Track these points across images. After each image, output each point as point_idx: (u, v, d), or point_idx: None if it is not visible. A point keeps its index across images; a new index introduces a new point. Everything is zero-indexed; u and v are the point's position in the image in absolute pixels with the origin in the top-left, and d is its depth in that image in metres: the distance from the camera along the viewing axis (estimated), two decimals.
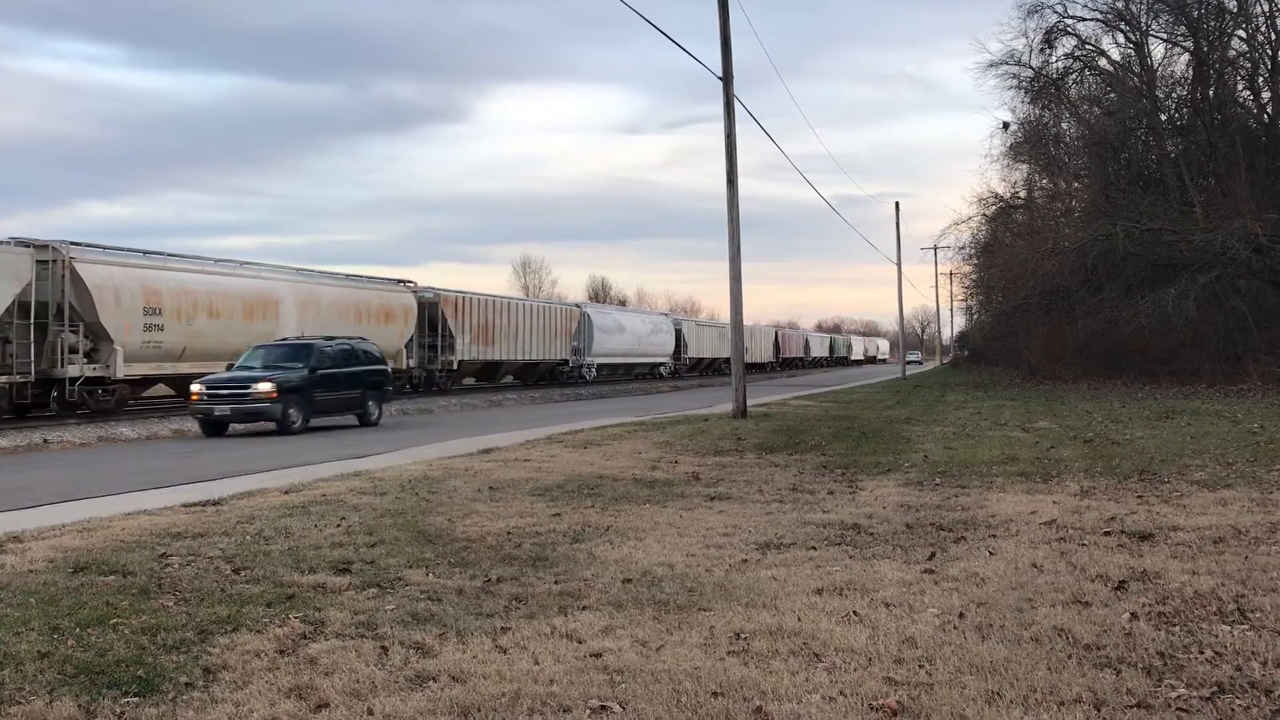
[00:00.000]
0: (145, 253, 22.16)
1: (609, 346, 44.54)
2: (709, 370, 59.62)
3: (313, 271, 27.56)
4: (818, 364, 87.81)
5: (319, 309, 25.91)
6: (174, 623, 5.00)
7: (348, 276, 28.81)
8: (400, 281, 30.74)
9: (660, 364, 51.88)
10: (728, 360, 58.58)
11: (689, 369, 56.32)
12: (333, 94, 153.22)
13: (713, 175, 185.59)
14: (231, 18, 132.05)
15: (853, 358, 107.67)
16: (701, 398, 31.47)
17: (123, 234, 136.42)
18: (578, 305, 44.35)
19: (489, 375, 37.47)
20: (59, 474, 12.08)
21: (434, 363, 31.67)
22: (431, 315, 31.45)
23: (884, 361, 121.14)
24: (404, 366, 29.66)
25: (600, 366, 43.99)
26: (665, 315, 58.41)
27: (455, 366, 32.42)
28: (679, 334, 54.16)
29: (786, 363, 75.71)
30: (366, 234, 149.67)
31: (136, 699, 4.01)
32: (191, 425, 18.99)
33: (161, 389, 25.15)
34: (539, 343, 37.80)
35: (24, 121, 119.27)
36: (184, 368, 22.26)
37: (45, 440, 16.09)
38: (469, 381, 37.34)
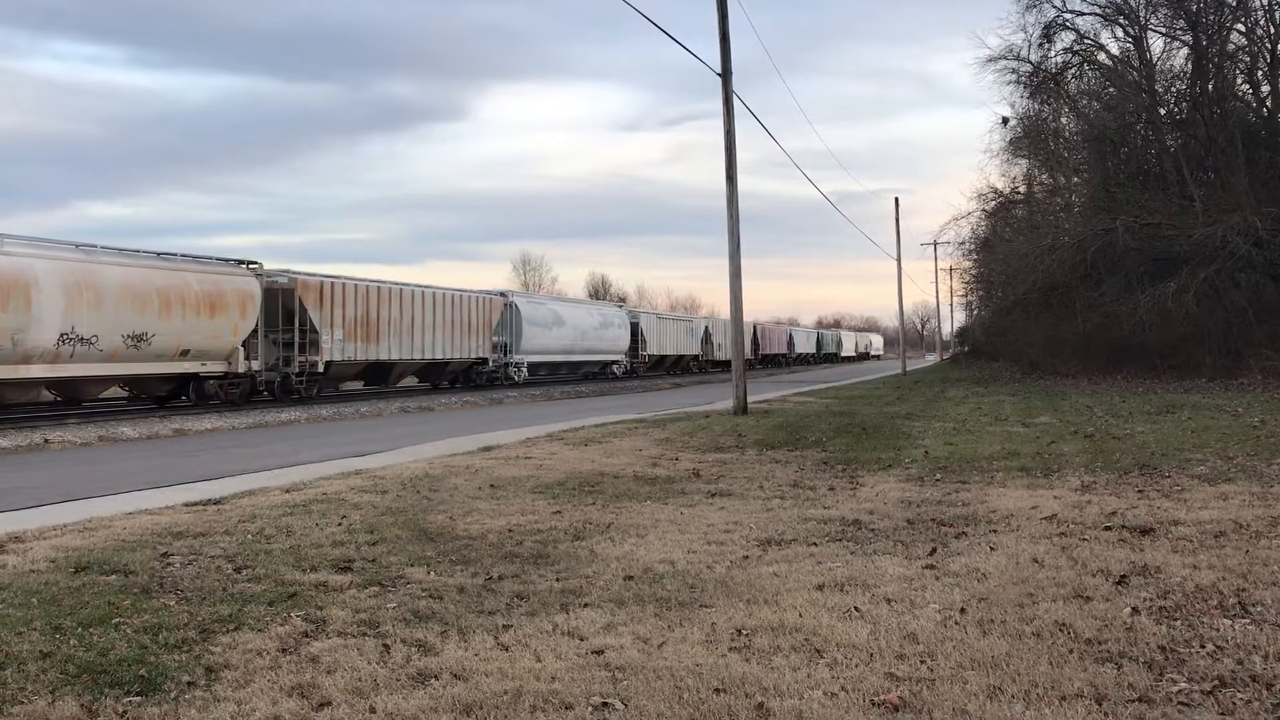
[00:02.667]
0: None
1: (543, 342, 38.57)
2: (674, 369, 53.98)
3: (95, 247, 20.81)
4: (803, 361, 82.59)
5: (100, 296, 19.70)
6: (176, 622, 5.00)
7: (159, 255, 22.25)
8: (241, 262, 24.52)
9: (613, 362, 45.62)
10: (695, 358, 56.63)
11: (648, 368, 49.91)
12: (331, 93, 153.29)
13: (712, 172, 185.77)
14: (230, 17, 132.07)
15: (843, 354, 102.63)
16: (701, 395, 31.46)
17: (122, 233, 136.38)
18: (502, 294, 37.28)
19: (378, 378, 31.31)
20: (60, 473, 12.07)
21: (291, 364, 25.44)
22: (287, 305, 25.29)
23: (878, 358, 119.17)
24: (240, 369, 23.58)
25: (534, 366, 38.34)
26: (619, 307, 51.33)
27: (321, 369, 26.17)
28: (635, 328, 47.70)
29: (767, 360, 70.26)
30: (366, 233, 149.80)
31: (139, 698, 4.01)
32: (193, 424, 18.99)
33: None
34: (446, 338, 31.69)
35: (23, 121, 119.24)
36: None
37: (46, 440, 16.08)
38: (353, 386, 31.68)
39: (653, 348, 50.00)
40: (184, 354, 22.01)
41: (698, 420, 18.82)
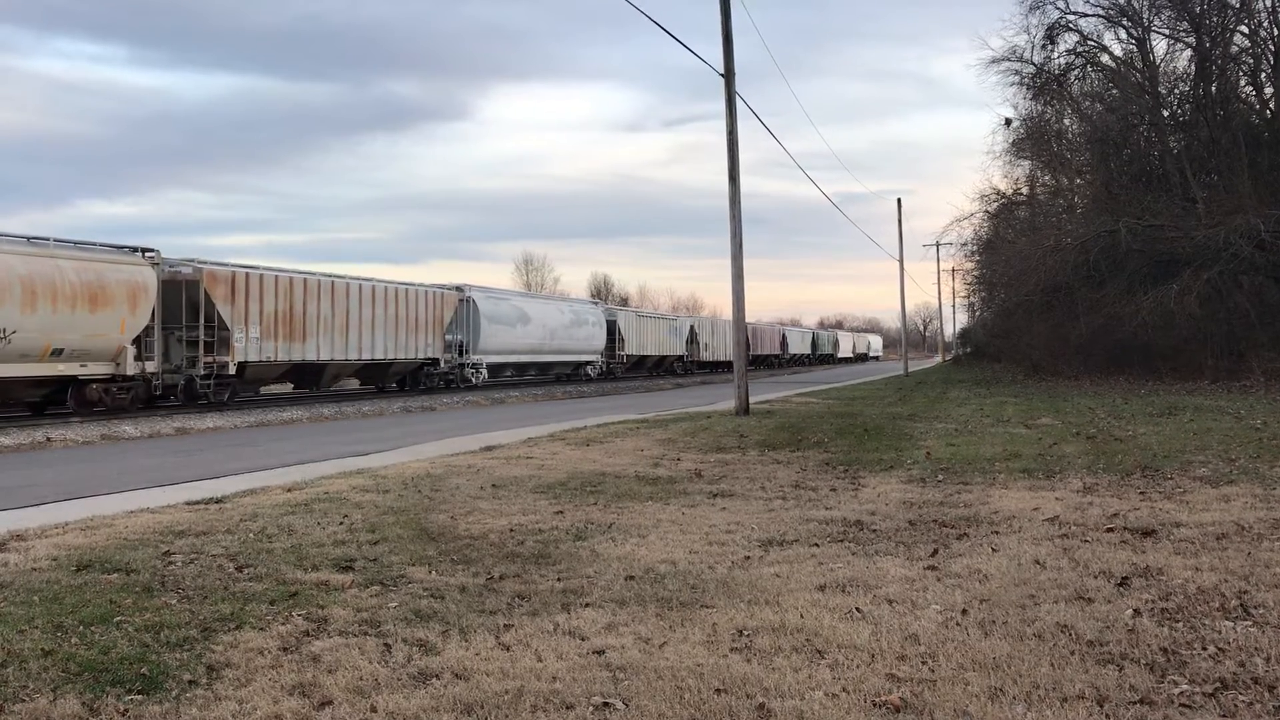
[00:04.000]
0: None
1: (505, 341, 35.62)
2: (655, 369, 51.85)
3: None
4: (798, 362, 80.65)
5: None
6: (177, 620, 5.00)
7: (29, 239, 18.91)
8: (136, 249, 21.20)
9: (587, 363, 43.01)
10: (680, 359, 55.00)
11: (627, 369, 47.55)
12: (334, 92, 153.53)
13: (714, 172, 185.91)
14: (233, 17, 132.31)
15: (840, 355, 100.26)
16: (703, 395, 31.49)
17: (124, 233, 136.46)
18: (457, 288, 33.67)
19: (308, 380, 27.94)
20: (62, 472, 12.08)
21: (196, 365, 22.46)
22: (192, 298, 22.42)
23: (877, 359, 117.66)
24: (129, 371, 20.40)
25: (495, 367, 35.59)
26: (594, 304, 48.59)
27: (233, 371, 23.15)
28: (612, 327, 45.14)
29: (759, 360, 66.55)
30: (369, 232, 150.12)
31: (140, 697, 4.02)
32: (195, 423, 19.00)
33: None
34: (389, 336, 28.76)
35: (26, 121, 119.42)
36: None
37: (48, 438, 16.09)
38: (279, 388, 29.12)
39: (632, 347, 47.44)
40: (56, 354, 18.88)
41: (700, 421, 18.82)
